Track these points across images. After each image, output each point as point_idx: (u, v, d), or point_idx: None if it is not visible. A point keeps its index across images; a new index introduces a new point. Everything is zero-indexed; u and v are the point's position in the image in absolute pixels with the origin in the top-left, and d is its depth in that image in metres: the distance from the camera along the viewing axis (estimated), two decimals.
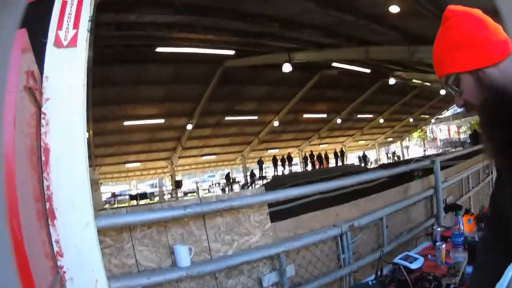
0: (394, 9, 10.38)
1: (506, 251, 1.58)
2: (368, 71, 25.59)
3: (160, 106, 26.31)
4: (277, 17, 14.21)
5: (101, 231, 2.64)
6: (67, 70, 2.22)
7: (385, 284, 2.69)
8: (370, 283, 2.84)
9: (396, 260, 3.38)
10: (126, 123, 26.26)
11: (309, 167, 41.52)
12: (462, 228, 3.46)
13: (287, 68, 20.24)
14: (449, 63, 1.50)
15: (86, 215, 2.14)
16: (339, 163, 43.12)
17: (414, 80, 29.68)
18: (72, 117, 2.18)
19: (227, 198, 3.50)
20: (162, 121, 28.36)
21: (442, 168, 6.14)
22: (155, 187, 42.32)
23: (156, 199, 35.09)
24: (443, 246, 3.31)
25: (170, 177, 39.77)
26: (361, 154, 49.75)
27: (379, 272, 3.09)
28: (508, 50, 1.42)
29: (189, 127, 30.41)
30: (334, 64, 23.71)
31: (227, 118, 31.81)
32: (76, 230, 2.09)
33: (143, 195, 33.52)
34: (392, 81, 26.60)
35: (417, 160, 6.50)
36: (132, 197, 33.07)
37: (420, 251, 3.82)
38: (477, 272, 1.85)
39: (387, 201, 5.21)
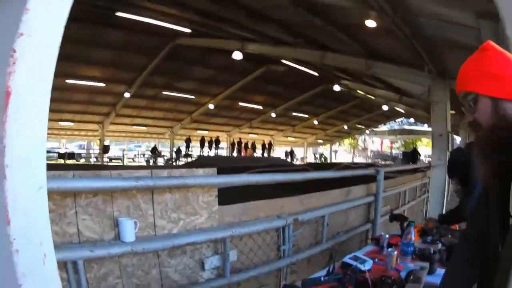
0: (370, 23, 10.44)
1: (480, 265, 1.86)
2: (316, 74, 25.80)
3: (104, 70, 25.76)
4: (247, 6, 14.00)
5: None
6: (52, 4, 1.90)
7: (344, 283, 2.68)
8: (322, 279, 2.82)
9: (346, 259, 3.40)
10: (69, 81, 25.20)
11: (235, 154, 41.97)
12: (413, 239, 3.54)
13: (237, 56, 20.05)
14: (476, 83, 1.68)
15: (39, 177, 1.74)
16: (265, 155, 44.01)
17: (358, 91, 29.94)
18: (43, 60, 1.72)
19: (179, 175, 3.41)
20: (102, 85, 27.78)
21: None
22: (83, 148, 41.83)
23: (82, 160, 35.04)
24: (395, 252, 3.37)
25: (98, 141, 39.16)
26: (288, 149, 50.31)
27: (330, 270, 3.09)
28: None
29: (127, 95, 30.02)
30: (284, 61, 23.82)
31: (165, 92, 31.57)
32: (27, 194, 1.67)
33: (71, 155, 33.39)
34: (336, 87, 26.76)
35: (364, 166, 6.64)
36: (60, 156, 32.55)
37: (366, 254, 3.87)
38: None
39: (329, 200, 5.29)
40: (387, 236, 4.06)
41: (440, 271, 3.25)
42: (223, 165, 18.12)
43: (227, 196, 3.98)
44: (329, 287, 2.79)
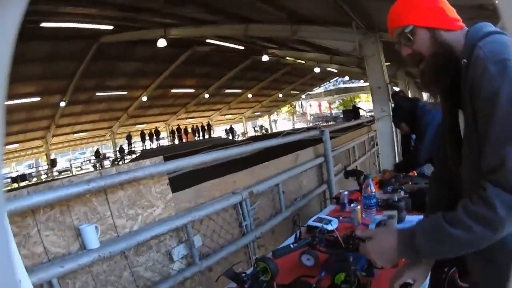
0: None
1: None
2: (242, 48, 25.72)
3: (37, 84, 25.04)
4: None
5: None
6: None
7: (314, 245, 2.60)
8: (292, 246, 2.74)
9: (311, 222, 3.34)
10: (6, 103, 24.21)
11: (176, 141, 42.11)
12: (374, 190, 3.50)
13: (161, 43, 19.80)
14: (412, 16, 1.75)
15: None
16: (206, 137, 44.16)
17: (288, 58, 29.97)
18: None
19: (127, 169, 3.23)
20: (38, 99, 27.05)
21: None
22: (32, 167, 40.83)
23: (34, 179, 33.82)
24: (359, 207, 3.33)
25: (45, 156, 38.68)
26: (228, 127, 50.39)
27: (297, 235, 3.02)
28: (460, 26, 1.76)
29: (62, 104, 29.50)
30: (208, 41, 23.69)
31: (98, 94, 31.23)
32: None
33: (23, 177, 31.90)
34: (265, 58, 26.57)
35: (307, 129, 6.60)
36: (14, 180, 31.20)
37: (329, 214, 3.82)
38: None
39: (279, 168, 5.22)
40: (346, 192, 4.03)
41: (409, 218, 3.23)
42: (168, 154, 17.96)
43: (180, 184, 3.86)
44: (301, 252, 2.73)
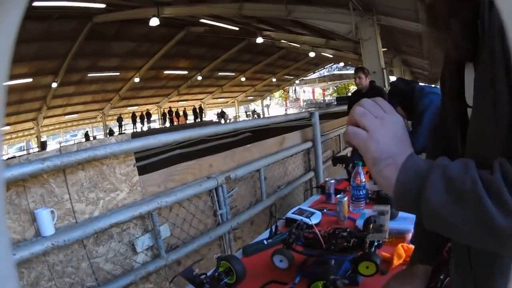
0: None
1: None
2: (236, 29, 25.40)
3: (30, 65, 24.76)
4: None
5: None
6: None
7: (289, 243, 2.16)
8: (265, 242, 2.35)
9: (289, 215, 2.94)
10: None
11: (168, 124, 42.45)
12: (364, 180, 3.09)
13: (154, 22, 19.80)
14: None
15: None
16: (198, 120, 44.31)
17: (282, 41, 29.69)
18: None
19: (90, 146, 2.81)
20: (30, 80, 26.77)
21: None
22: (23, 150, 40.60)
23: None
24: (346, 198, 2.91)
25: (36, 138, 38.46)
26: (222, 110, 50.15)
27: (273, 230, 2.62)
28: None
29: (54, 85, 29.37)
30: (202, 20, 23.47)
31: (89, 74, 31.03)
32: None
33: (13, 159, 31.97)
34: (259, 40, 26.48)
35: (296, 113, 6.27)
36: None
37: (312, 205, 3.42)
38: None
39: (263, 151, 4.83)
40: (332, 181, 3.59)
41: (403, 214, 2.73)
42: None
43: (153, 169, 3.46)
44: (273, 252, 2.29)
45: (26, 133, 37.83)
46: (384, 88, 6.63)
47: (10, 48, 0.55)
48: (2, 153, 0.83)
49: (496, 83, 0.96)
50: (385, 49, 14.34)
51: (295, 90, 62.34)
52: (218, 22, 23.40)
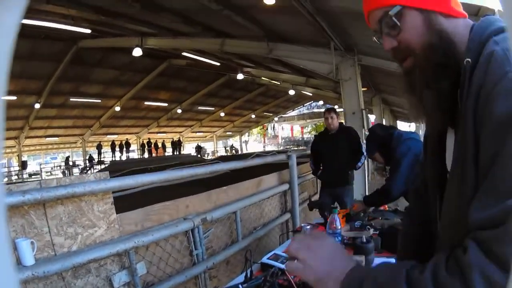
0: (268, 0, 9.94)
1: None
2: (218, 64, 25.48)
3: (15, 83, 24.73)
4: None
5: None
6: None
7: None
8: (240, 287, 2.37)
9: (265, 260, 2.96)
10: None
11: (146, 155, 42.30)
12: (339, 227, 3.12)
13: (137, 52, 19.63)
14: None
15: None
16: (176, 153, 44.08)
17: (263, 78, 29.87)
18: None
19: (69, 183, 2.86)
20: (14, 98, 26.59)
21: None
22: (4, 167, 40.05)
23: (5, 179, 33.01)
24: None
25: (17, 157, 38.46)
26: (199, 144, 50.27)
27: (248, 274, 2.64)
28: (463, 15, 1.26)
29: (37, 106, 29.25)
30: (185, 54, 23.56)
31: (72, 99, 30.91)
32: None
33: None
34: (240, 76, 26.43)
35: (276, 152, 6.32)
36: None
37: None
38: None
39: (240, 193, 4.88)
40: (308, 227, 3.63)
41: (378, 260, 2.78)
42: (136, 168, 17.84)
43: (129, 204, 3.50)
44: None
45: (7, 150, 37.37)
46: (354, 129, 6.65)
47: (10, 48, 0.56)
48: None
49: (465, 162, 1.07)
50: (365, 88, 14.50)
51: (273, 127, 62.59)
52: (200, 56, 23.45)
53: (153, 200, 3.76)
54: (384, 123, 19.82)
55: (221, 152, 54.21)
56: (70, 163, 40.05)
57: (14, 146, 36.22)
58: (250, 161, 5.39)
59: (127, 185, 3.31)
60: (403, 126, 39.13)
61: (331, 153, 6.23)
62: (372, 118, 23.38)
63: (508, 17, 0.62)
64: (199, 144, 50.49)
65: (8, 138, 33.99)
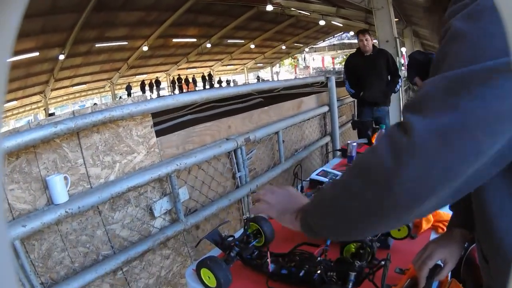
0: None
1: None
2: None
3: (36, 39, 24.42)
4: None
5: None
6: None
7: None
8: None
9: (314, 176, 2.85)
10: None
11: (177, 91, 41.96)
12: None
13: None
14: None
15: None
16: (207, 87, 43.93)
17: (292, 9, 29.18)
18: None
19: (105, 108, 2.69)
20: (37, 54, 26.28)
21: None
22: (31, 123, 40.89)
23: None
24: None
25: (44, 111, 37.83)
26: (230, 78, 50.79)
27: (299, 190, 2.54)
28: None
29: (61, 57, 28.85)
30: None
31: (97, 45, 30.52)
32: None
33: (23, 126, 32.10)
34: (269, 7, 26.14)
35: (313, 76, 6.19)
36: None
37: (334, 168, 3.34)
38: None
39: (281, 114, 4.78)
40: (354, 144, 3.51)
41: None
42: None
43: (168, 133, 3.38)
44: None
45: (34, 106, 37.40)
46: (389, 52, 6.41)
47: (10, 49, 0.49)
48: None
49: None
50: (397, 19, 14.12)
51: (304, 58, 61.86)
52: None
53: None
54: None
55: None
56: None
57: (40, 101, 36.21)
58: (288, 82, 5.26)
59: (167, 105, 3.15)
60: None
61: (371, 74, 6.08)
62: (403, 50, 22.90)
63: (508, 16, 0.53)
64: (228, 78, 50.04)
65: (32, 95, 34.13)
